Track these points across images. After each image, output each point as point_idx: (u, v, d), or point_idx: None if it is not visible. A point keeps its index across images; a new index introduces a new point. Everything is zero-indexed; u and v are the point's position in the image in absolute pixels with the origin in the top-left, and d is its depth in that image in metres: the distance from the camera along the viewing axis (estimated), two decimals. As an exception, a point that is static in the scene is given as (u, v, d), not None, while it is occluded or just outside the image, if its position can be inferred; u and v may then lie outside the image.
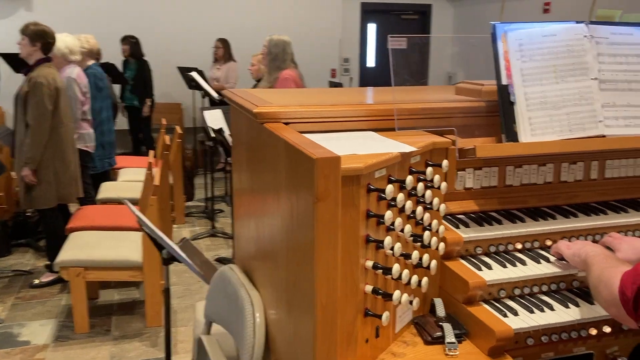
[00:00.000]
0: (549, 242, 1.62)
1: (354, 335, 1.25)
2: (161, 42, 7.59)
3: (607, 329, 1.48)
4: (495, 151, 1.50)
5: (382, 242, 1.24)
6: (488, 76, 1.69)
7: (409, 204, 1.30)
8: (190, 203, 6.11)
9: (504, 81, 1.56)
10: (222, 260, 4.61)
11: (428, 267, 1.39)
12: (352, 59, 9.24)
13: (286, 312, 1.33)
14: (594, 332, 1.47)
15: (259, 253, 1.62)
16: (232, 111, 1.88)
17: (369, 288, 1.26)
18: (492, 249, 1.58)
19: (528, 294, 1.51)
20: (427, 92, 1.91)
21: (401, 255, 1.28)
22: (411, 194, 1.33)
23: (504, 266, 1.51)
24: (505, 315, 1.41)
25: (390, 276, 1.28)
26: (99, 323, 3.61)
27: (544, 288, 1.52)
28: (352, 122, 1.54)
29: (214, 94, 5.85)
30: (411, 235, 1.32)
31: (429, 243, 1.39)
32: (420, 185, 1.36)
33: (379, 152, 1.28)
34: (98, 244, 3.56)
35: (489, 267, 1.50)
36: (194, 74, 6.14)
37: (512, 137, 1.54)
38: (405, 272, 1.28)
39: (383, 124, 1.57)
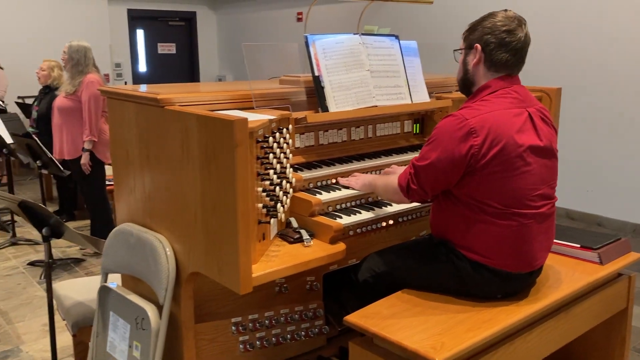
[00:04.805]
0: (351, 177, 2.52)
1: (254, 235, 1.95)
2: None
3: (391, 222, 2.43)
4: (319, 118, 2.34)
5: (267, 174, 1.96)
6: (254, 78, 2.38)
7: (279, 152, 2.05)
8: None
9: (316, 73, 2.39)
10: (34, 263, 4.71)
11: (288, 193, 2.16)
12: (124, 64, 9.45)
13: (203, 232, 1.95)
14: (384, 224, 2.41)
15: (162, 207, 2.18)
16: (114, 105, 2.37)
17: (260, 205, 1.97)
18: (319, 184, 2.42)
19: (345, 207, 2.38)
20: (261, 84, 2.66)
21: (277, 184, 2.03)
22: (279, 147, 2.08)
23: (328, 192, 2.36)
24: (335, 219, 2.24)
25: (270, 198, 2.01)
26: None
27: (353, 203, 2.41)
28: (222, 104, 2.21)
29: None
30: (281, 172, 2.08)
31: (290, 178, 2.16)
32: (282, 140, 2.12)
33: (255, 119, 2.00)
34: None
35: (320, 193, 2.33)
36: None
37: (325, 109, 2.39)
38: (281, 193, 2.03)
39: (239, 105, 2.29)
